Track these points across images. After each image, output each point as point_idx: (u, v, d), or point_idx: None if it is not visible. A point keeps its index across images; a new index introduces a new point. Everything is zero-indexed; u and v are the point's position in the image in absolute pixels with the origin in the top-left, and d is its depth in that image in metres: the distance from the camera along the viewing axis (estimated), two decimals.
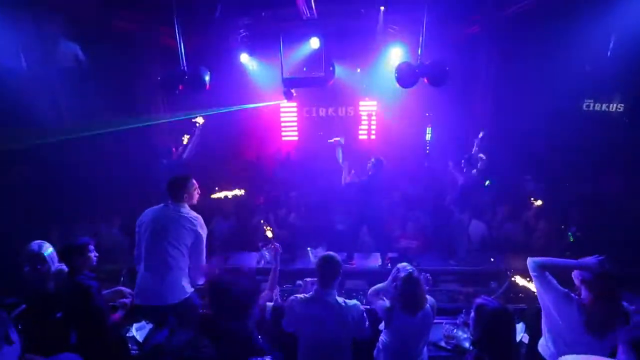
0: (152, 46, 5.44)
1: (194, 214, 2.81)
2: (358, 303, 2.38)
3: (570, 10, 4.70)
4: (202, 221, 2.82)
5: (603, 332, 1.99)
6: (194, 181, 2.90)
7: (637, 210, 4.47)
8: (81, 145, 4.60)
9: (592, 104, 5.36)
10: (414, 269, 2.35)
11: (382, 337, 2.49)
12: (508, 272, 3.43)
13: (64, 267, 2.50)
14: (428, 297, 2.40)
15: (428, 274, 2.65)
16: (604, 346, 1.98)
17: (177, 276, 2.69)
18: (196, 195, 2.90)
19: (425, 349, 2.46)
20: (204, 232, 2.79)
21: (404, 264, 2.42)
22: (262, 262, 4.39)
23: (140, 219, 2.83)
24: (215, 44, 6.35)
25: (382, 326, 2.49)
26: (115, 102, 5.14)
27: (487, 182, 5.08)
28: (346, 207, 5.47)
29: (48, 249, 2.60)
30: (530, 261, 2.23)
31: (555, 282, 2.17)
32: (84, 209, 4.74)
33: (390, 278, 2.44)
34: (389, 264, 4.58)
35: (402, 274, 2.31)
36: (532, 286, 2.89)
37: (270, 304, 2.66)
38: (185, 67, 4.32)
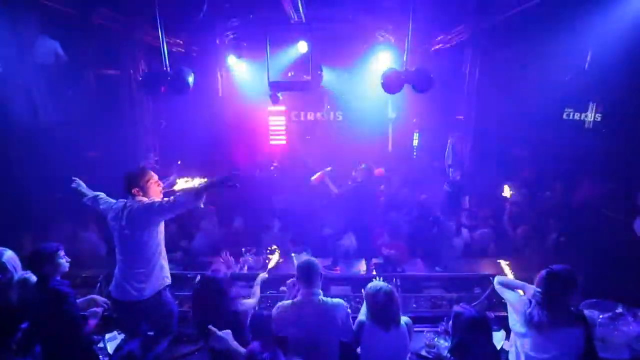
0: (136, 45, 5.29)
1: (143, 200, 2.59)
2: (342, 302, 2.35)
3: (551, 21, 4.83)
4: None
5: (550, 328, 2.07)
6: (149, 173, 2.66)
7: (613, 216, 4.59)
8: (58, 145, 4.42)
9: (571, 113, 5.51)
10: (387, 285, 2.32)
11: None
12: (491, 278, 3.43)
13: (30, 275, 2.35)
14: (405, 317, 2.36)
15: (397, 279, 2.79)
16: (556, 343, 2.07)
17: (151, 268, 2.56)
18: (155, 188, 2.64)
19: None
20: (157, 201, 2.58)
21: (380, 282, 2.38)
22: (246, 267, 4.31)
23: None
24: (202, 45, 6.27)
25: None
26: (97, 101, 4.99)
27: None
28: (334, 212, 5.45)
29: (6, 253, 2.41)
30: (494, 280, 2.57)
31: (513, 292, 2.41)
32: (59, 212, 4.54)
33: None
34: (374, 270, 4.56)
35: (375, 289, 2.28)
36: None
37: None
38: (168, 68, 4.21)
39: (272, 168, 7.26)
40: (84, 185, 2.92)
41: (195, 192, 2.47)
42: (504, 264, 3.63)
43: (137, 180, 2.58)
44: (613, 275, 3.31)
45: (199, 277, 2.42)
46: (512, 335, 2.32)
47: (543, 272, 2.20)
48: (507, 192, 5.18)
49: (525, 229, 5.01)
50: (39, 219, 4.40)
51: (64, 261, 2.38)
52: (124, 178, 2.60)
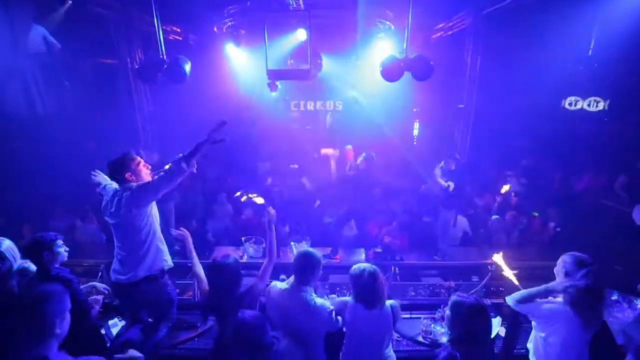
0: (132, 33, 5.22)
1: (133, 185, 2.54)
2: (327, 303, 2.36)
3: (553, 9, 4.75)
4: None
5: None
6: (135, 156, 2.61)
7: (612, 206, 4.60)
8: (57, 136, 4.41)
9: (573, 102, 5.46)
10: (373, 266, 2.34)
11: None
12: (489, 267, 3.46)
13: (29, 264, 2.37)
14: (392, 300, 2.38)
15: (396, 268, 2.69)
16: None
17: (145, 250, 2.56)
18: (144, 170, 2.60)
19: (390, 351, 2.42)
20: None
21: (364, 264, 2.39)
22: (245, 256, 4.34)
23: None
24: (200, 33, 6.19)
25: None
26: (94, 91, 4.95)
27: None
28: (336, 200, 5.45)
29: (4, 242, 2.41)
30: (509, 301, 2.38)
31: (539, 307, 2.26)
32: (59, 203, 4.56)
33: None
34: (373, 259, 4.58)
35: (359, 270, 2.31)
36: (512, 280, 2.95)
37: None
38: (165, 56, 4.16)
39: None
40: (102, 175, 2.88)
41: (184, 158, 2.39)
42: (497, 255, 3.61)
43: (129, 165, 2.55)
44: (608, 262, 3.33)
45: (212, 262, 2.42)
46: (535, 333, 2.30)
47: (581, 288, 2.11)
48: (504, 189, 5.18)
49: (514, 214, 5.02)
50: (38, 209, 4.43)
51: (63, 250, 2.40)
52: (111, 166, 2.55)
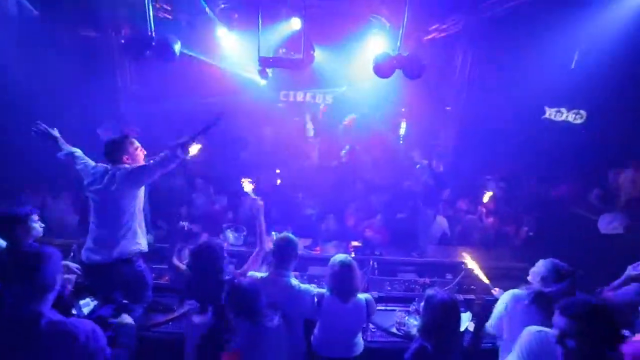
0: (118, 5, 5.00)
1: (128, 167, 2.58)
2: (311, 287, 2.40)
3: (542, 20, 4.89)
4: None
5: None
6: (134, 140, 2.68)
7: (585, 214, 4.84)
8: (30, 109, 4.19)
9: (554, 113, 5.69)
10: (349, 257, 2.40)
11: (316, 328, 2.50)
12: (462, 265, 3.59)
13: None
14: (367, 294, 2.46)
15: (375, 262, 2.83)
16: None
17: (124, 232, 2.55)
18: (141, 155, 2.67)
19: (359, 339, 2.49)
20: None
21: (342, 255, 2.44)
22: (226, 244, 4.31)
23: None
24: (191, 13, 6.00)
25: None
26: (73, 63, 4.71)
27: None
28: (317, 192, 5.48)
29: None
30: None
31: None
32: (29, 180, 4.36)
33: None
34: (353, 252, 4.65)
35: (336, 261, 2.35)
36: (483, 278, 3.08)
37: None
38: (153, 33, 4.02)
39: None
40: (56, 134, 2.78)
41: (180, 145, 2.48)
42: (468, 255, 3.72)
43: (128, 147, 2.59)
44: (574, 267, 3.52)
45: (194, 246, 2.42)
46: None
47: None
48: (486, 197, 5.36)
49: (495, 220, 5.22)
50: (6, 186, 4.22)
51: (38, 226, 2.32)
52: (110, 145, 2.57)
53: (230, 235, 4.33)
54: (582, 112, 5.51)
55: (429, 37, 6.81)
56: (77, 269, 2.64)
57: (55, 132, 2.79)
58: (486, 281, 3.08)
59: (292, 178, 5.98)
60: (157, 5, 4.59)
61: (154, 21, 4.03)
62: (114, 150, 2.58)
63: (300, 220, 5.28)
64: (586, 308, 1.62)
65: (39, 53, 4.47)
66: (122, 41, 4.29)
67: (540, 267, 2.40)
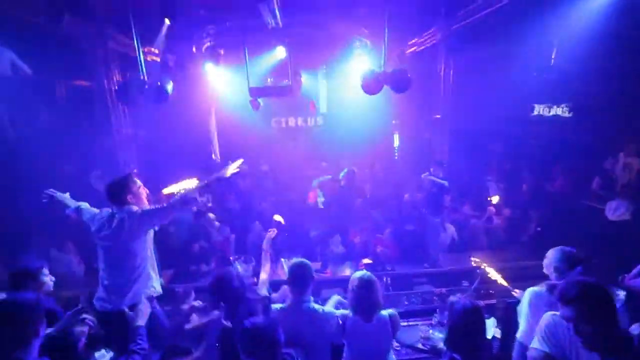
0: (108, 55, 5.16)
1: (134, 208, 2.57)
2: (334, 311, 2.35)
3: (518, 21, 5.11)
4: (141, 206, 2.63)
5: None
6: (136, 179, 2.67)
7: (589, 204, 4.87)
8: (31, 159, 4.23)
9: (541, 109, 5.84)
10: (368, 273, 2.36)
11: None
12: (477, 270, 3.55)
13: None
14: (391, 309, 2.40)
15: (388, 278, 2.61)
16: None
17: (137, 276, 2.52)
18: (143, 193, 2.66)
19: (391, 358, 2.42)
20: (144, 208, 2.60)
21: (360, 272, 2.41)
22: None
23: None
24: (178, 53, 6.20)
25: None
26: (70, 113, 4.81)
27: None
28: (319, 214, 5.50)
29: None
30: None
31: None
32: (32, 231, 4.33)
33: None
34: (364, 270, 4.60)
35: (357, 278, 2.31)
36: (501, 281, 3.05)
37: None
38: (146, 77, 4.15)
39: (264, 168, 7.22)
40: (62, 195, 2.82)
41: (191, 195, 2.54)
42: (480, 259, 3.70)
43: (131, 187, 2.57)
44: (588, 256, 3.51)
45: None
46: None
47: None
48: (495, 199, 5.41)
49: (502, 220, 5.23)
50: (10, 238, 4.17)
51: (49, 279, 2.29)
52: (113, 186, 2.55)
53: (239, 266, 4.27)
54: (565, 106, 5.66)
55: (411, 50, 7.06)
56: (90, 320, 2.58)
57: (60, 195, 2.82)
58: (504, 284, 3.05)
59: (295, 202, 6.01)
60: (145, 49, 4.74)
61: (144, 65, 4.16)
62: (118, 191, 2.54)
63: (306, 245, 5.25)
64: (578, 291, 1.64)
65: (34, 104, 4.55)
66: (115, 87, 4.40)
67: (550, 258, 2.39)
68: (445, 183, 5.08)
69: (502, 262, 3.45)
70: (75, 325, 2.41)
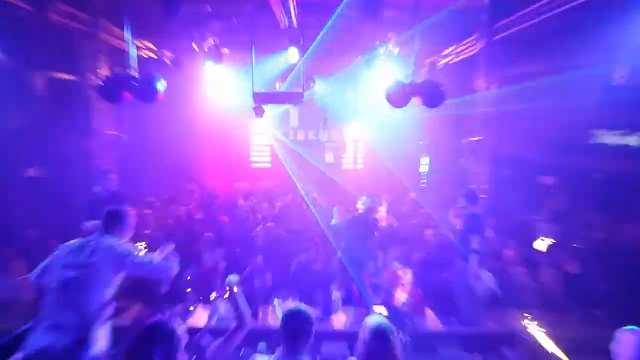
0: (98, 47, 5.21)
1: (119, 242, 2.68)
2: None
3: (576, 32, 4.93)
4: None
5: None
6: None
7: None
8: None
9: (604, 135, 5.53)
10: (386, 322, 2.11)
11: None
12: (524, 334, 3.19)
13: None
14: None
15: (408, 337, 2.55)
16: None
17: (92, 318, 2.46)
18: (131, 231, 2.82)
19: None
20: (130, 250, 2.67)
21: (376, 317, 2.19)
22: (216, 317, 3.97)
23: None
24: (176, 50, 6.27)
25: None
26: (46, 110, 4.80)
27: None
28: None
29: None
30: None
31: None
32: None
33: None
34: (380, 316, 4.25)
35: (369, 326, 2.07)
36: (556, 352, 2.68)
37: None
38: (136, 72, 4.11)
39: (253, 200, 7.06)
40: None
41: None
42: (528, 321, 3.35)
43: (132, 223, 2.76)
44: None
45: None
46: None
47: None
48: (541, 246, 5.05)
49: (551, 272, 4.81)
50: None
51: None
52: (115, 215, 2.68)
53: (222, 305, 4.01)
54: (635, 132, 5.37)
55: (444, 61, 6.96)
56: None
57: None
58: (561, 356, 2.69)
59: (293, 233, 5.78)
60: (140, 44, 4.76)
61: (136, 60, 4.14)
62: (116, 222, 2.68)
63: (307, 282, 4.95)
64: None
65: (9, 100, 4.57)
66: (101, 83, 4.38)
67: (624, 345, 2.11)
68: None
69: (560, 328, 3.09)
70: None
